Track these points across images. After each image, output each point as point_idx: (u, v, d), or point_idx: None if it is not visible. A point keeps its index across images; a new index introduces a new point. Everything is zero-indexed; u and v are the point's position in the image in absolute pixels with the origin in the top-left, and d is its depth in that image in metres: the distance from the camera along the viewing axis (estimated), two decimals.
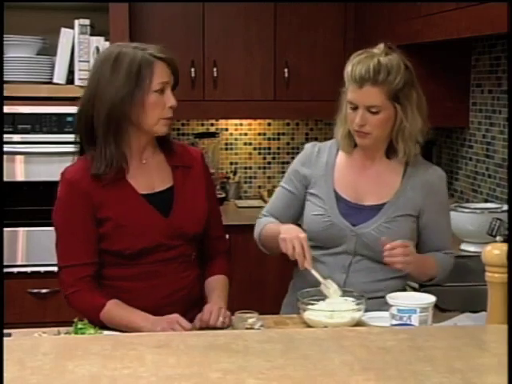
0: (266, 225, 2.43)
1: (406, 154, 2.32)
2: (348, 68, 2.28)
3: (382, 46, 2.31)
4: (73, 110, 3.64)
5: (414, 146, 2.32)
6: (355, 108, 2.27)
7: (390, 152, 2.37)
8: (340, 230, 2.33)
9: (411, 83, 2.28)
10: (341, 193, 2.37)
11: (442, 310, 2.32)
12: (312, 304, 2.20)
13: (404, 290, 2.45)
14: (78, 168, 2.27)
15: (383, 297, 2.23)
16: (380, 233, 2.29)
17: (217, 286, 2.36)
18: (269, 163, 4.57)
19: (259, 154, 4.59)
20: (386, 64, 2.24)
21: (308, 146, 2.48)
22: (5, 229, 3.56)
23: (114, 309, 2.20)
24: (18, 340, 1.88)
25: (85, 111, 2.26)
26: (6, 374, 1.47)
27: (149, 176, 2.29)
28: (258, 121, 4.53)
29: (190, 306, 2.27)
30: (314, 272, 2.22)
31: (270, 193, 4.18)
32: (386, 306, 2.19)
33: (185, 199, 2.31)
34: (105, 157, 2.20)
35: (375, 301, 2.23)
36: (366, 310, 2.19)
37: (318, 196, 2.38)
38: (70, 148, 3.55)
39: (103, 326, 2.17)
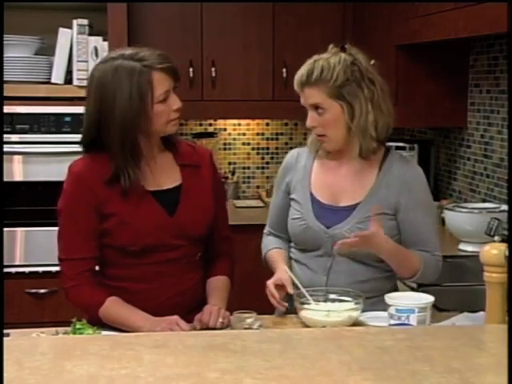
0: (268, 251, 2.47)
1: (362, 150, 2.31)
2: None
3: (330, 47, 2.34)
4: (71, 110, 3.70)
5: (366, 141, 2.30)
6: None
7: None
8: (315, 233, 2.33)
9: (360, 79, 2.28)
10: (316, 195, 2.38)
11: (440, 309, 2.32)
12: (309, 303, 2.20)
13: (395, 291, 2.43)
14: (86, 163, 2.27)
15: (370, 298, 2.24)
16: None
17: (217, 286, 2.36)
18: (267, 163, 4.57)
19: (257, 153, 4.60)
20: (320, 65, 2.27)
21: (289, 153, 2.53)
22: (3, 229, 3.55)
23: (113, 306, 2.20)
24: (17, 340, 1.88)
25: (93, 126, 2.23)
26: (4, 374, 1.47)
27: (157, 173, 2.30)
28: (257, 121, 4.54)
29: (193, 308, 2.26)
30: (303, 291, 2.25)
31: (269, 193, 4.19)
32: (374, 307, 2.21)
33: (191, 199, 2.31)
34: (128, 174, 2.20)
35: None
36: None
37: (296, 200, 2.40)
38: (68, 148, 3.62)
39: (101, 325, 2.17)
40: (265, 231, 2.54)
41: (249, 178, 4.61)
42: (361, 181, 2.35)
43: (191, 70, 4.09)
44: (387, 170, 2.34)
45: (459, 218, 3.21)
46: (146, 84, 2.16)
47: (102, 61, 2.26)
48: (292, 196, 2.42)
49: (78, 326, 2.08)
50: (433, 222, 2.41)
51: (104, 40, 3.73)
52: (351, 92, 2.27)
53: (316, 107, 2.28)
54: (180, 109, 2.24)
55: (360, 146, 2.31)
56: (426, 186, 2.38)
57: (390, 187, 2.32)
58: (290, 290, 2.24)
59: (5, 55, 3.64)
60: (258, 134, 4.58)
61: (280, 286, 2.26)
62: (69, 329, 2.09)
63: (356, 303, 2.17)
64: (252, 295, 3.64)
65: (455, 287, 2.77)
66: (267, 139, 4.59)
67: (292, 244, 2.45)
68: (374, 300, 2.25)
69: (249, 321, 2.17)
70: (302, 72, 2.29)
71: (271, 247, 2.47)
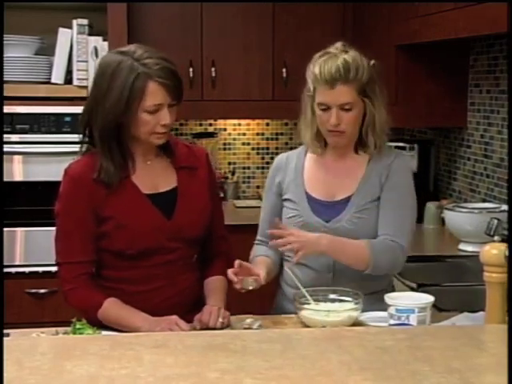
0: (254, 257, 2.45)
1: (376, 146, 2.35)
2: (315, 70, 2.29)
3: (339, 44, 2.34)
4: (71, 109, 3.70)
5: (383, 138, 2.35)
6: (326, 109, 2.29)
7: (360, 146, 2.38)
8: (314, 229, 2.32)
9: (374, 77, 2.33)
10: (312, 193, 2.39)
11: (440, 309, 2.32)
12: (309, 303, 2.20)
13: (393, 287, 2.44)
14: (81, 165, 2.26)
15: (373, 293, 2.25)
16: (353, 224, 2.31)
17: (215, 286, 2.36)
18: (267, 163, 4.56)
19: (257, 153, 4.60)
20: (352, 61, 2.28)
21: (276, 158, 2.53)
22: (3, 229, 3.56)
23: (112, 307, 2.20)
24: (17, 340, 1.88)
25: (85, 120, 2.25)
26: (4, 374, 1.47)
27: (153, 176, 2.29)
28: (257, 121, 4.54)
29: (190, 308, 2.26)
30: (303, 291, 2.24)
31: None
32: (377, 304, 2.19)
33: (188, 201, 2.30)
34: (107, 167, 2.20)
35: (366, 297, 2.21)
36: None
37: (290, 200, 2.41)
38: (69, 148, 3.62)
39: (101, 326, 2.17)
40: (255, 241, 2.52)
41: (249, 178, 4.61)
42: (353, 174, 2.38)
43: (191, 69, 4.09)
44: (376, 160, 2.38)
45: (459, 218, 3.21)
46: (138, 90, 2.14)
47: (117, 50, 2.25)
48: (285, 196, 2.42)
49: (78, 326, 2.08)
50: (407, 210, 2.35)
51: (104, 40, 3.73)
52: (372, 89, 2.31)
53: (342, 104, 2.27)
54: (168, 125, 2.20)
55: (375, 143, 2.34)
56: (410, 176, 2.40)
57: (378, 174, 2.36)
58: (262, 276, 2.23)
59: (5, 55, 3.64)
60: (258, 134, 4.58)
61: (246, 269, 2.24)
62: (69, 329, 2.09)
63: (356, 303, 2.17)
64: (251, 295, 3.65)
65: (455, 287, 2.77)
66: (267, 139, 4.59)
67: None
68: (375, 296, 2.25)
69: (249, 321, 2.17)
70: (334, 67, 2.25)
71: (258, 254, 2.45)
